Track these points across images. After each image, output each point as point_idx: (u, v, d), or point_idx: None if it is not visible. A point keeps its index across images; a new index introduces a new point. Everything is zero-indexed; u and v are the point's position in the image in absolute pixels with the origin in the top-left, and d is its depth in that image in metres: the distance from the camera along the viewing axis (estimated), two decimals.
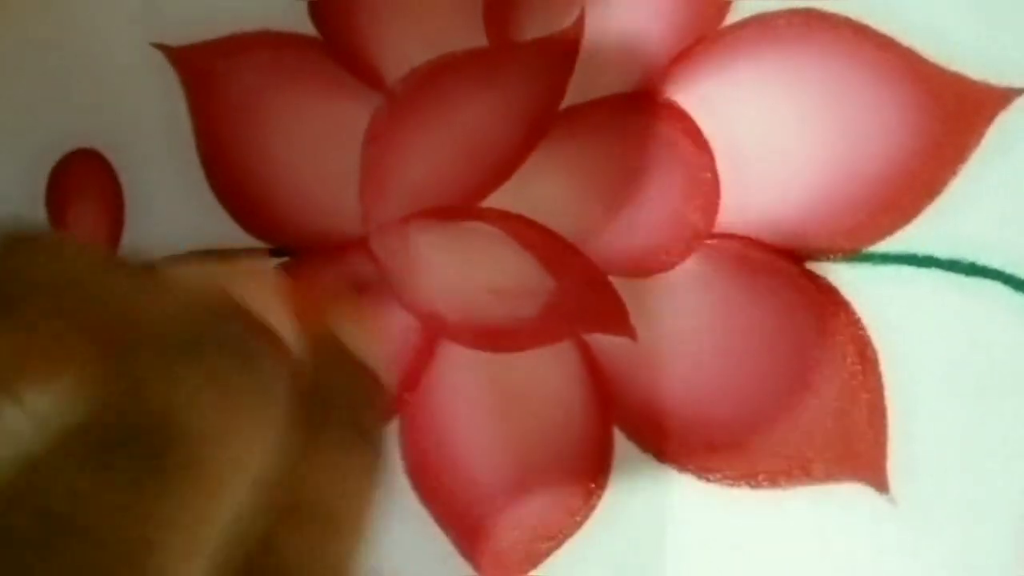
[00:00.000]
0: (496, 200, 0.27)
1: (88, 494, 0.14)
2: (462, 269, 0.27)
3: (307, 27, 0.29)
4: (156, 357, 0.16)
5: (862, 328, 0.24)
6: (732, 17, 0.25)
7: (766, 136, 0.25)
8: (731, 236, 0.25)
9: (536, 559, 0.27)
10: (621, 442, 0.26)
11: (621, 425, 0.26)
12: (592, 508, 0.26)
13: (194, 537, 0.15)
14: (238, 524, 0.16)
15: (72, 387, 0.16)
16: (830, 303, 0.25)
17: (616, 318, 0.26)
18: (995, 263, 0.24)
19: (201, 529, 0.15)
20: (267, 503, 0.16)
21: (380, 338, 0.23)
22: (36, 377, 0.18)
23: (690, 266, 0.26)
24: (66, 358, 0.18)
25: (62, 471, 0.14)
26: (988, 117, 0.24)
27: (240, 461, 0.16)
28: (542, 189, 0.27)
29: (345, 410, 0.20)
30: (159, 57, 0.30)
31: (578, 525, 0.27)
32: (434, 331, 0.27)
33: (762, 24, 0.25)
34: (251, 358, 0.17)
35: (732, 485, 0.25)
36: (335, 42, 0.28)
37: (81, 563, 0.13)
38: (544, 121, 0.26)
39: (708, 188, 0.25)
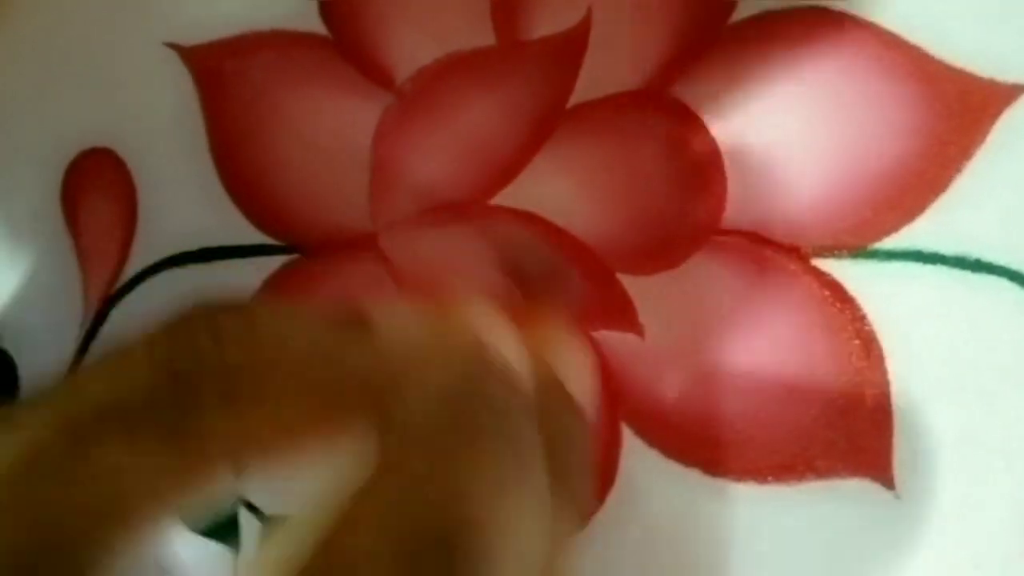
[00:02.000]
0: (504, 197, 0.27)
1: None
2: (471, 266, 0.27)
3: (318, 27, 0.29)
4: (437, 446, 0.15)
5: (868, 324, 0.25)
6: (738, 15, 0.25)
7: (772, 133, 0.25)
8: (737, 233, 0.25)
9: None
10: (629, 438, 0.26)
11: (629, 421, 0.26)
12: (600, 504, 0.26)
13: None
14: None
15: (340, 469, 0.16)
16: (836, 299, 0.25)
17: (624, 315, 0.26)
18: (1001, 259, 0.24)
19: None
20: None
21: (590, 368, 0.22)
22: (279, 457, 0.17)
23: (696, 263, 0.26)
24: (323, 443, 0.17)
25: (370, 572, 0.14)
26: (994, 114, 0.24)
27: (528, 550, 0.15)
28: (550, 186, 0.27)
29: (567, 472, 0.18)
30: (172, 56, 0.30)
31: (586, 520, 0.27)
32: None
33: (768, 22, 0.25)
34: (520, 432, 0.16)
35: (738, 481, 0.25)
36: (345, 41, 0.29)
37: None
38: (552, 119, 0.27)
39: (714, 185, 0.25)
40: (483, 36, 0.27)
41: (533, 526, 0.15)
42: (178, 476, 0.16)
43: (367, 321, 0.19)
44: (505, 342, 0.18)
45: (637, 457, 0.26)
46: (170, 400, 0.17)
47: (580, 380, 0.21)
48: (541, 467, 0.16)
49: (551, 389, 0.20)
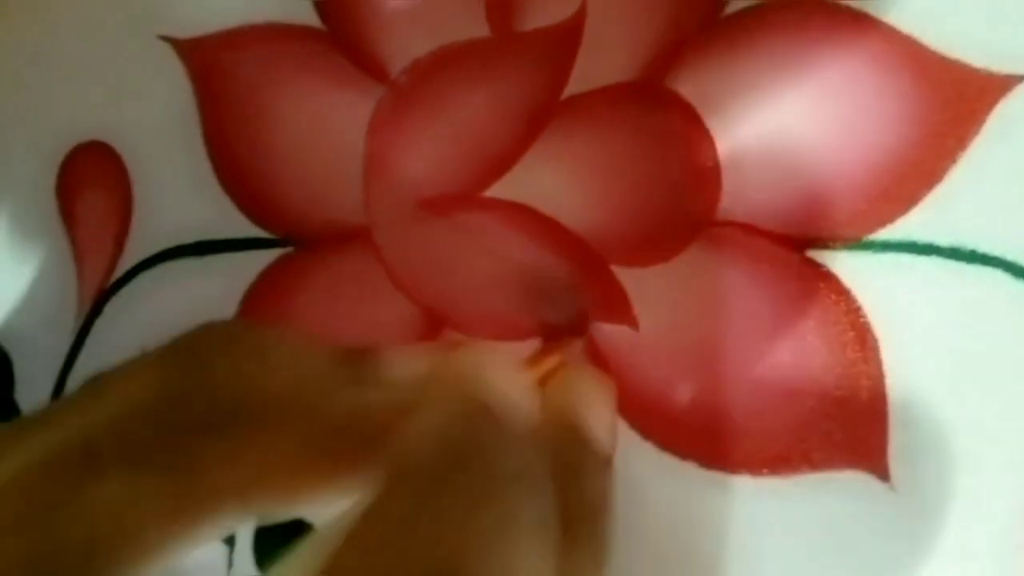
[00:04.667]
0: (499, 190, 0.27)
1: None
2: (464, 259, 0.27)
3: (312, 19, 0.29)
4: (430, 490, 0.15)
5: (863, 316, 0.24)
6: (733, 6, 0.25)
7: (766, 124, 0.25)
8: (732, 224, 0.25)
9: None
10: (623, 430, 0.26)
11: (623, 413, 0.26)
12: None
13: None
14: None
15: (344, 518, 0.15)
16: (831, 291, 0.25)
17: (618, 307, 0.26)
18: (996, 251, 0.24)
19: None
20: None
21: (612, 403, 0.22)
22: (282, 494, 0.17)
23: (691, 254, 0.26)
24: (328, 481, 0.17)
25: None
26: (989, 104, 0.24)
27: None
28: (544, 178, 0.27)
29: (587, 519, 0.18)
30: (166, 50, 0.30)
31: None
32: (437, 321, 0.27)
33: (762, 12, 0.25)
34: (534, 484, 0.16)
35: (733, 473, 0.25)
36: (340, 34, 0.29)
37: None
38: (546, 110, 0.26)
39: (709, 176, 0.25)
40: (477, 28, 0.27)
41: (531, 572, 0.15)
42: (180, 510, 0.16)
43: (373, 360, 0.19)
44: (510, 384, 0.18)
45: (632, 449, 0.26)
46: (174, 425, 0.16)
47: (601, 416, 0.21)
48: (547, 508, 0.16)
49: (564, 429, 0.20)
